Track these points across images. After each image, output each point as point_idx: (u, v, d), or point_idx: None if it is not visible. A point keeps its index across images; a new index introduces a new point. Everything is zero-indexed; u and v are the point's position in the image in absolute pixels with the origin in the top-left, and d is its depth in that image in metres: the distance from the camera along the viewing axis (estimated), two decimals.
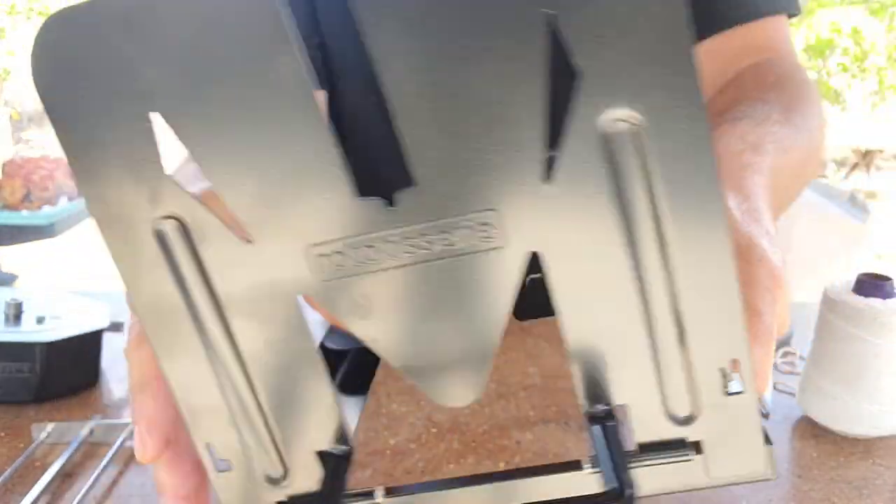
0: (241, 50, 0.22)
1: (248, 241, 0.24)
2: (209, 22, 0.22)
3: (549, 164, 0.23)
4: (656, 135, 0.23)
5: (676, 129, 0.23)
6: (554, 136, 0.23)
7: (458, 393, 0.27)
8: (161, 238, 0.24)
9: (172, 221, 0.24)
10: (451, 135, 0.23)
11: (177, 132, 0.23)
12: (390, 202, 0.24)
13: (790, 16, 0.61)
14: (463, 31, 0.21)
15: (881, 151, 6.81)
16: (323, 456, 0.28)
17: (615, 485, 0.26)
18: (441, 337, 0.26)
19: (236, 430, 0.28)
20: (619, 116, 0.23)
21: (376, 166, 0.24)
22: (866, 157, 6.70)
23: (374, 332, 0.26)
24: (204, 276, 0.25)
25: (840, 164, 7.30)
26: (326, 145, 0.23)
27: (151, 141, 0.23)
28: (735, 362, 0.26)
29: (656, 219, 0.24)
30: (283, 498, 0.28)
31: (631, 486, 0.26)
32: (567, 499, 0.28)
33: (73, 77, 0.23)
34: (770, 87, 0.45)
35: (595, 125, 0.23)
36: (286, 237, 0.24)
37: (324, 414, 0.28)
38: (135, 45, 0.22)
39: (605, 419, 0.27)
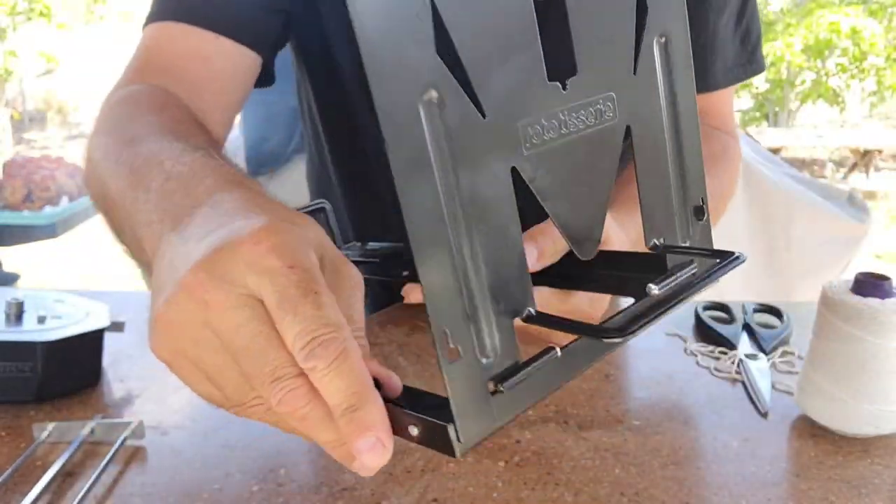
0: None
1: (483, 116, 0.31)
2: None
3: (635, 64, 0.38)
4: (673, 49, 0.39)
5: (680, 46, 0.39)
6: (636, 46, 0.38)
7: (591, 248, 0.37)
8: (423, 103, 0.29)
9: (434, 93, 0.29)
10: (599, 39, 0.36)
11: (450, 26, 0.29)
12: (562, 86, 0.34)
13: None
14: None
15: (880, 152, 6.82)
16: (532, 318, 0.33)
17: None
18: (583, 197, 0.36)
19: (466, 314, 0.31)
20: (661, 37, 0.39)
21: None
22: (865, 158, 6.70)
23: (554, 201, 0.34)
24: (449, 142, 0.30)
25: (839, 164, 7.31)
26: (537, 48, 0.33)
27: (428, 21, 0.29)
28: (703, 200, 0.42)
29: (673, 95, 0.40)
30: (491, 377, 0.31)
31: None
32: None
33: None
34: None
35: (653, 41, 0.38)
36: (507, 113, 0.32)
37: (523, 281, 0.33)
38: None
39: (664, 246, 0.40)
